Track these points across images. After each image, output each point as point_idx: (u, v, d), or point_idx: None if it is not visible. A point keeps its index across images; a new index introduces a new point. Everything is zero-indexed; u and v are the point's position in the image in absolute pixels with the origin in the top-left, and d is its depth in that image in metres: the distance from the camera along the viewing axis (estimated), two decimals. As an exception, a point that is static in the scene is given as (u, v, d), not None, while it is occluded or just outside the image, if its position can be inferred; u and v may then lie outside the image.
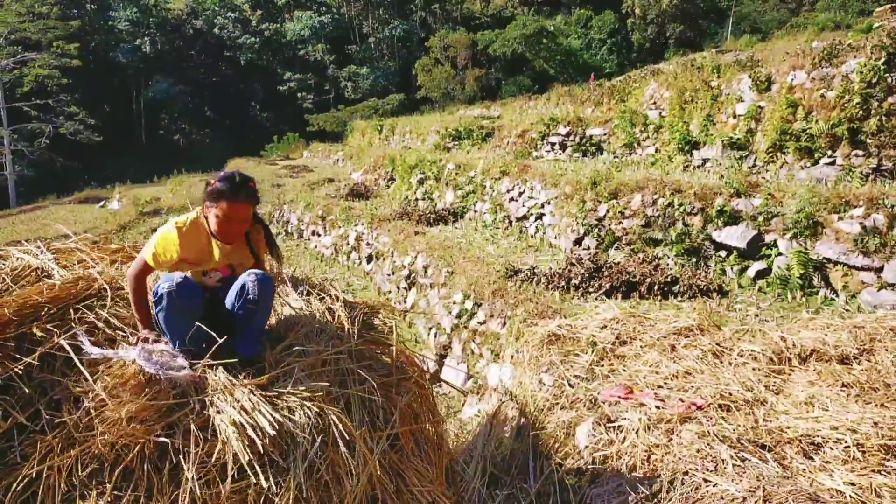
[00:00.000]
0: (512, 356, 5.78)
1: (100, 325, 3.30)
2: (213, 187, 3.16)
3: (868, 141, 7.99)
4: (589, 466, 4.02)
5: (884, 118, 7.83)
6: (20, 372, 2.93)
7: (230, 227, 3.20)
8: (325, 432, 3.15)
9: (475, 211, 12.21)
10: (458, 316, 7.52)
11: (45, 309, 3.27)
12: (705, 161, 10.26)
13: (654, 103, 12.27)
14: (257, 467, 2.90)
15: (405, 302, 9.62)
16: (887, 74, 7.89)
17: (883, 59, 7.94)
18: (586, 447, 4.12)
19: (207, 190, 3.18)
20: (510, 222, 11.10)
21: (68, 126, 34.27)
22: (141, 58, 46.99)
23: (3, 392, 2.91)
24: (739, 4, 36.69)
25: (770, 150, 9.08)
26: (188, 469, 2.85)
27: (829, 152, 8.36)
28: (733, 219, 7.54)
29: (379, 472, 3.31)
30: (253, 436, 2.93)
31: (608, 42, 40.14)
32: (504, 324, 6.47)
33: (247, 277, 3.22)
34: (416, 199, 14.38)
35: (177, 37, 49.51)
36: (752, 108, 9.59)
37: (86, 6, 45.10)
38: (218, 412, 2.96)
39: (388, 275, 10.76)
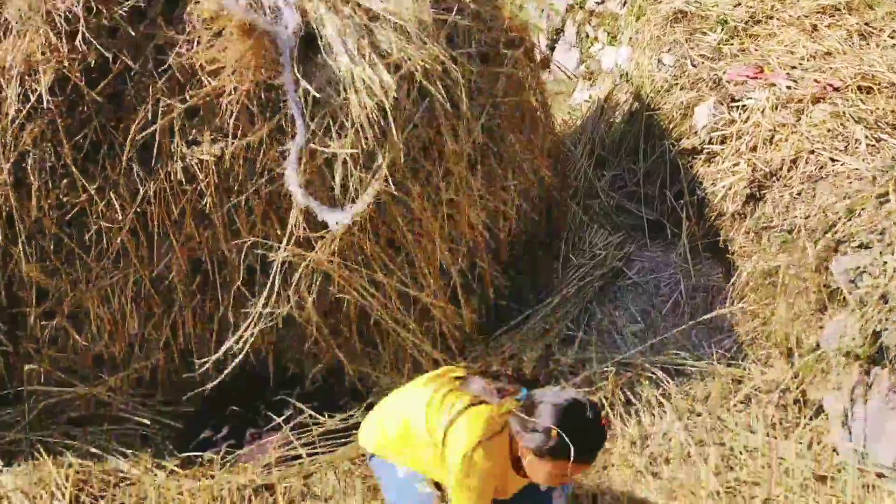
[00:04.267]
0: (630, 38, 5.40)
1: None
2: (557, 443, 1.97)
3: None
4: (705, 146, 3.84)
5: None
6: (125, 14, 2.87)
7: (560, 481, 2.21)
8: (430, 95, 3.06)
9: None
10: (574, -3, 7.00)
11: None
12: None
13: None
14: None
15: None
16: None
17: None
18: (704, 127, 3.90)
19: (547, 445, 2.00)
20: None
21: None
22: None
23: (110, 35, 2.89)
24: None
25: None
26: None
27: None
28: None
29: (482, 137, 3.25)
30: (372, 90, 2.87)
31: None
32: (625, 3, 5.98)
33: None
34: None
35: None
36: None
37: None
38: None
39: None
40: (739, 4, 4.83)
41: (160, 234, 2.92)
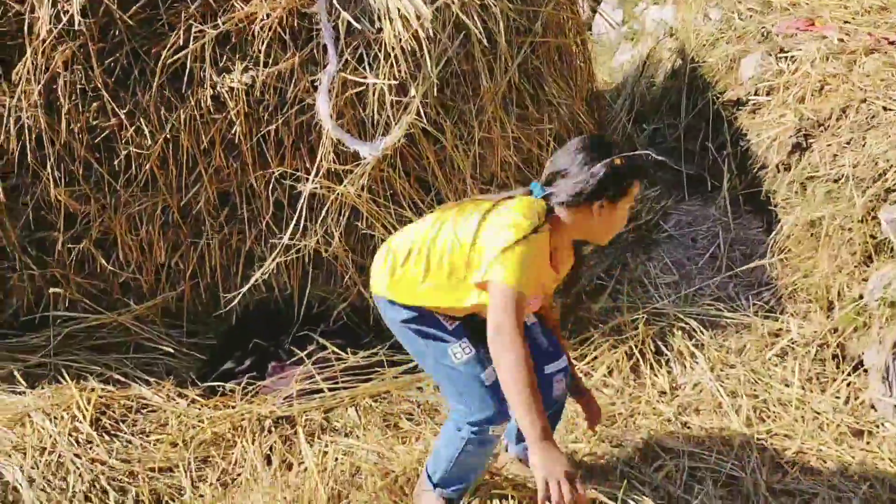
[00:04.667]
0: (676, -6, 5.25)
1: None
2: (622, 169, 1.79)
3: None
4: (750, 98, 3.71)
5: None
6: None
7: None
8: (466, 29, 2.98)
9: None
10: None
11: None
12: None
13: None
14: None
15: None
16: None
17: None
18: (750, 78, 3.76)
19: (621, 178, 1.81)
20: None
21: None
22: None
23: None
24: None
25: None
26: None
27: None
28: None
29: (518, 77, 3.16)
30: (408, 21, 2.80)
31: None
32: (671, -39, 5.80)
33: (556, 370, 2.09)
34: None
35: None
36: None
37: None
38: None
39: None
40: (792, -42, 4.65)
41: (189, 164, 2.90)
